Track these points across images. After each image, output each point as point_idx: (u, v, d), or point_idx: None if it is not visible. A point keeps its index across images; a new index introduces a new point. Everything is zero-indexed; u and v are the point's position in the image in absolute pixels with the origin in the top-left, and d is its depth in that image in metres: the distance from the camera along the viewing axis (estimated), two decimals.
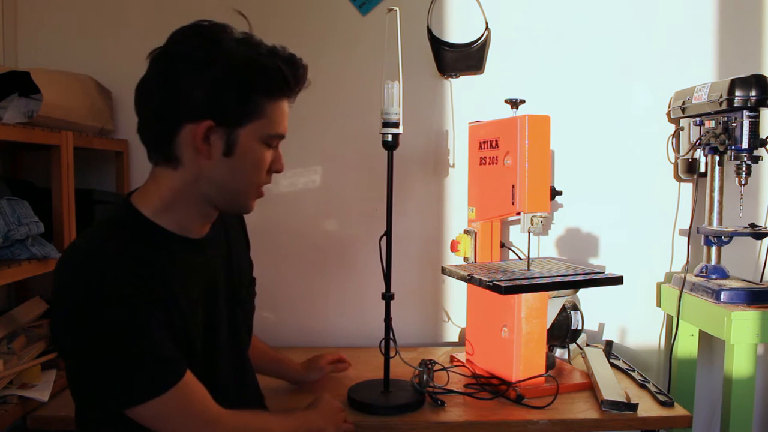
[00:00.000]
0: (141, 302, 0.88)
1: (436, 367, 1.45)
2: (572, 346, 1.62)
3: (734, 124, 1.54)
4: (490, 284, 1.32)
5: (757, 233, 1.58)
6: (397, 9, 1.31)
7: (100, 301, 0.85)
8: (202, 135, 0.91)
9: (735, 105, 1.51)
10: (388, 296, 1.35)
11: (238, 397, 1.10)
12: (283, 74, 0.93)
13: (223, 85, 0.90)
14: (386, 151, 1.34)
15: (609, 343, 1.72)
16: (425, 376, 1.36)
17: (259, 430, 1.03)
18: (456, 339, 1.86)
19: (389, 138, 1.31)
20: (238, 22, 1.03)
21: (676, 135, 1.81)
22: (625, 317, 1.86)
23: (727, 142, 1.56)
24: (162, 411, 0.90)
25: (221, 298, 1.06)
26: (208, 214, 1.01)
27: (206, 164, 0.93)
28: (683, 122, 1.75)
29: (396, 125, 1.31)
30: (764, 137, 1.54)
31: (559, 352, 1.61)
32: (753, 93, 1.50)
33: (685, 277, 1.67)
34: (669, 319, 1.84)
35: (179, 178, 0.95)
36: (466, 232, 1.60)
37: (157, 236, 0.96)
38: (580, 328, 1.57)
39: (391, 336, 1.35)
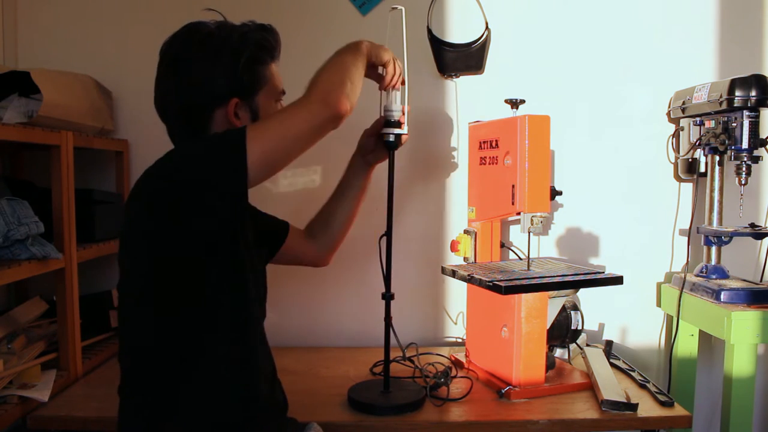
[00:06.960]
0: None
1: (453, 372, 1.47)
2: (572, 346, 1.62)
3: (734, 124, 1.54)
4: (490, 284, 1.32)
5: (757, 233, 1.58)
6: (402, 8, 1.31)
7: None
8: (233, 113, 1.07)
9: (735, 105, 1.51)
10: (388, 296, 1.35)
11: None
12: (270, 43, 1.11)
13: (235, 67, 1.05)
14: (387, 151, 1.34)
15: (609, 343, 1.72)
16: (445, 387, 1.37)
17: (340, 74, 1.15)
18: (456, 339, 1.86)
19: (391, 138, 1.31)
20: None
21: (676, 135, 1.81)
22: (625, 317, 1.86)
23: (727, 142, 1.56)
24: (269, 127, 0.98)
25: None
26: None
27: None
28: (683, 122, 1.75)
29: (398, 125, 1.31)
30: (764, 137, 1.54)
31: (559, 352, 1.61)
32: (753, 93, 1.50)
33: (685, 277, 1.67)
34: (669, 319, 1.84)
35: None
36: (466, 232, 1.60)
37: None
38: (580, 328, 1.57)
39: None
